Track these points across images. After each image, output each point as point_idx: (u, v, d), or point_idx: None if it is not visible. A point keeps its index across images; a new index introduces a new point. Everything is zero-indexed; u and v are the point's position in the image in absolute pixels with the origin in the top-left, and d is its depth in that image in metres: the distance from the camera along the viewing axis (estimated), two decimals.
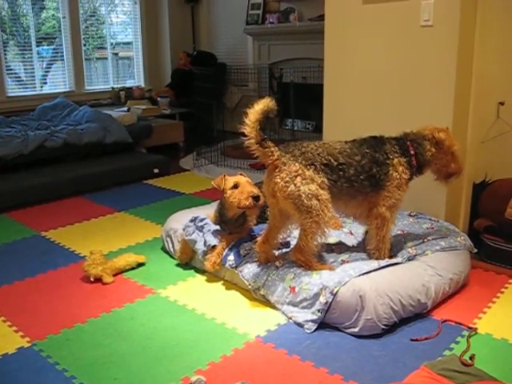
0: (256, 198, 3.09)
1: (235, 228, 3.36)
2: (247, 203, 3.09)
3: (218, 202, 3.46)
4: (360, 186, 2.92)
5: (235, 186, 3.18)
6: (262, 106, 2.74)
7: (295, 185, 2.77)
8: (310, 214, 2.78)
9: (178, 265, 3.54)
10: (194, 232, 3.40)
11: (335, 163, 2.86)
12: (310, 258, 2.90)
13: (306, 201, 2.76)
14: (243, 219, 3.38)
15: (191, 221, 3.47)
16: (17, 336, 2.72)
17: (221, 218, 3.37)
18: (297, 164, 2.80)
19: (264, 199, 3.05)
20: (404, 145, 2.99)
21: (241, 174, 3.32)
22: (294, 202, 2.79)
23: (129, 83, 8.07)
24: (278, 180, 2.81)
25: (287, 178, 2.79)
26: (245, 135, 2.78)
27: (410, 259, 3.00)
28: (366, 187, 2.93)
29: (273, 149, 2.82)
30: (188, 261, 3.52)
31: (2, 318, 2.90)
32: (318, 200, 2.77)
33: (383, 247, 3.00)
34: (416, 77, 3.52)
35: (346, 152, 2.91)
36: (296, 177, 2.78)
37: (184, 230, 3.45)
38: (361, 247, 3.19)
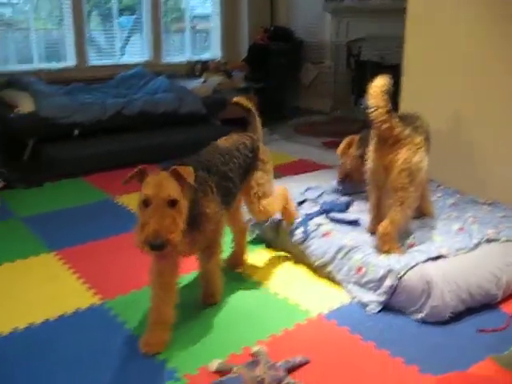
0: (159, 247, 1.95)
1: None
2: (141, 248, 2.04)
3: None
4: None
5: (145, 203, 2.05)
6: (383, 81, 2.72)
7: (420, 156, 2.79)
8: (417, 188, 2.79)
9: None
10: None
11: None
12: (395, 237, 2.84)
13: (423, 173, 2.80)
14: None
15: None
16: (90, 293, 2.85)
17: None
18: (419, 136, 2.83)
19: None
20: None
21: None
22: (411, 174, 2.76)
23: (205, 56, 8.12)
24: (404, 151, 2.77)
25: (412, 150, 2.78)
26: (370, 107, 2.72)
27: (488, 241, 2.92)
28: None
29: (397, 119, 2.78)
30: None
31: (77, 274, 3.05)
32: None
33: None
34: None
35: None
36: (419, 149, 2.80)
37: None
38: (425, 229, 3.10)
